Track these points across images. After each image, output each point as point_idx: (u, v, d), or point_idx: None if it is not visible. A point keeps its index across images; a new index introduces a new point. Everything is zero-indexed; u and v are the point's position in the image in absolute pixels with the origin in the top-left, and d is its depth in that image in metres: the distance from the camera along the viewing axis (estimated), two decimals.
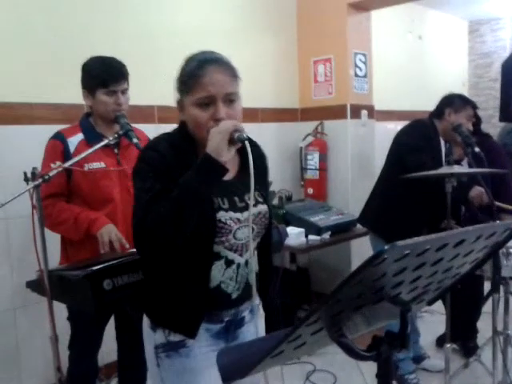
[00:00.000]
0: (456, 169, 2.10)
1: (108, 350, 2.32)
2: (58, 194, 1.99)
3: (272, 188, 3.82)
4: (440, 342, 3.24)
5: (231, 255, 1.34)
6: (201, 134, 1.28)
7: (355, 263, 3.99)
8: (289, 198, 3.74)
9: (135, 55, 2.97)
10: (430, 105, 2.81)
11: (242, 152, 1.39)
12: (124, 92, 2.04)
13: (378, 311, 0.88)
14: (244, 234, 1.34)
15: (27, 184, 1.65)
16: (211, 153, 1.20)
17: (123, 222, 2.01)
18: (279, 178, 4.00)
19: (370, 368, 3.10)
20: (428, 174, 2.17)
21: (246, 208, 1.34)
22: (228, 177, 1.31)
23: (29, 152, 2.24)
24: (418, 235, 2.30)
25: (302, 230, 3.26)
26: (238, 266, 1.35)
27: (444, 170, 2.12)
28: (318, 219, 3.40)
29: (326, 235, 3.34)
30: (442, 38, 5.82)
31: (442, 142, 2.67)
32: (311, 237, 3.29)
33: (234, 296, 1.36)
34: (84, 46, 2.70)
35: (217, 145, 1.19)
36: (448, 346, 2.17)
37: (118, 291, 1.57)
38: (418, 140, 2.58)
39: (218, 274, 1.32)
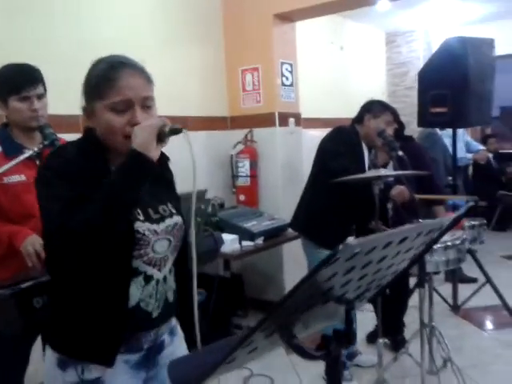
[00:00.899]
0: (382, 171, 2.20)
1: (35, 371, 2.18)
2: None
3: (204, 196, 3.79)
4: (370, 338, 3.38)
5: (150, 270, 1.25)
6: (115, 140, 1.20)
7: (287, 267, 4.06)
8: (221, 205, 3.74)
9: (60, 64, 2.85)
10: (353, 112, 2.93)
11: None
12: (40, 97, 1.92)
13: (316, 314, 0.91)
14: (163, 247, 1.26)
15: None
16: (138, 148, 1.11)
17: None
18: (211, 185, 3.98)
19: (306, 370, 3.16)
20: (357, 178, 2.26)
21: (161, 219, 1.28)
22: None
23: None
24: (345, 237, 2.38)
25: (236, 236, 3.28)
26: (157, 282, 1.27)
27: (372, 173, 2.22)
28: (251, 225, 3.44)
29: (260, 240, 3.38)
30: (361, 49, 6.11)
31: (365, 147, 2.79)
32: (245, 243, 3.32)
33: (155, 315, 1.27)
34: (8, 54, 2.55)
35: (144, 140, 1.12)
36: (381, 340, 2.27)
37: (49, 309, 1.47)
38: (340, 146, 2.68)
39: (137, 291, 1.23)
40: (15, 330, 1.52)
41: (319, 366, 3.10)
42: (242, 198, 4.03)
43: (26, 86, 1.87)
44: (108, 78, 1.17)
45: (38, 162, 1.96)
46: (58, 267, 1.23)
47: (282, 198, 4.01)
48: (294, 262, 4.06)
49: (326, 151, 2.76)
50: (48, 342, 1.26)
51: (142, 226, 1.22)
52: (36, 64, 1.98)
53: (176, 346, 1.40)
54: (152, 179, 1.28)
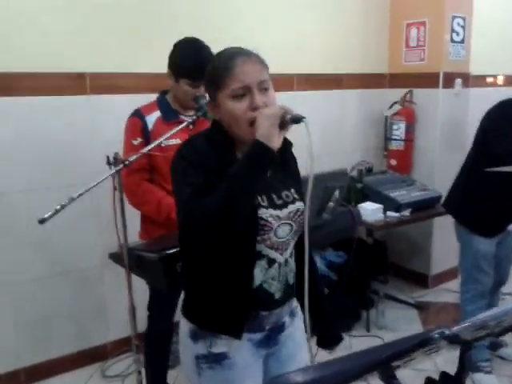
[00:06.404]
0: None
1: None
2: (142, 168, 2.09)
3: (352, 158, 3.72)
4: None
5: (273, 254, 1.32)
6: (240, 127, 1.25)
7: (437, 240, 3.84)
8: (369, 170, 3.63)
9: (220, 43, 2.96)
10: None
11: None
12: None
13: None
14: (284, 231, 1.32)
15: (110, 168, 1.74)
16: (261, 138, 1.15)
17: None
18: (360, 147, 3.88)
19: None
20: None
21: (284, 205, 1.32)
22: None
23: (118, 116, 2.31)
24: (505, 225, 2.13)
25: (380, 206, 3.17)
26: (280, 265, 1.34)
27: None
28: (399, 195, 3.29)
29: (406, 212, 3.23)
30: None
31: None
32: (389, 213, 3.21)
33: (278, 296, 1.35)
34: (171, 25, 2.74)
35: (267, 130, 1.16)
36: None
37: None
38: (507, 125, 2.34)
39: (260, 273, 1.31)
40: (161, 287, 1.75)
41: None
42: (393, 162, 3.85)
43: (200, 79, 1.95)
44: (225, 68, 1.24)
45: (191, 127, 2.12)
46: (189, 248, 1.34)
47: (438, 166, 3.73)
48: (445, 236, 3.80)
49: (488, 129, 2.45)
50: (182, 312, 1.40)
51: (265, 213, 1.27)
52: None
53: (295, 327, 1.48)
54: (276, 165, 1.33)
